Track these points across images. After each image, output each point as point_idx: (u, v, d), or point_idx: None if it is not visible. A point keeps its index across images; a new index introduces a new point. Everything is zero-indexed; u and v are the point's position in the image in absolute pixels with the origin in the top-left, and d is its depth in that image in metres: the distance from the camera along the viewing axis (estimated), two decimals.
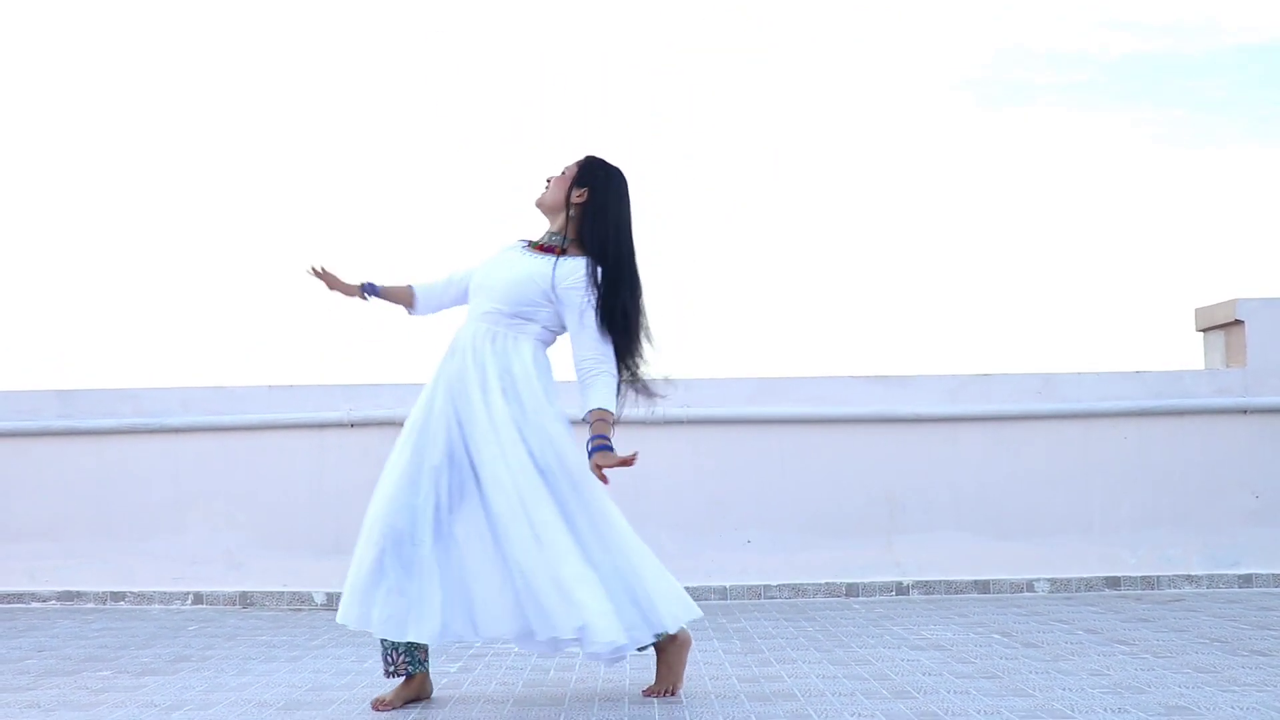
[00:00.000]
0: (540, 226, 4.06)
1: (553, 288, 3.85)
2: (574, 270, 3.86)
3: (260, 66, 11.16)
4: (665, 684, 3.95)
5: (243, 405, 6.77)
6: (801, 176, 11.29)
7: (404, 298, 4.18)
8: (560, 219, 3.96)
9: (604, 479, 3.77)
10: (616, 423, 3.85)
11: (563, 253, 3.91)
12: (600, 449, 3.76)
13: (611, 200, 3.94)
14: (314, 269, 4.14)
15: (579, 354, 3.86)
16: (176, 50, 10.93)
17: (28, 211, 10.94)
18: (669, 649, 3.95)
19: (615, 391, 3.87)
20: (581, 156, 4.01)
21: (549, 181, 4.00)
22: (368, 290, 4.15)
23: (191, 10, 10.87)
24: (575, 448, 3.84)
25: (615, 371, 3.87)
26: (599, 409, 3.81)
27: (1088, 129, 11.71)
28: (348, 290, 4.16)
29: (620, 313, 3.87)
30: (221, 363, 9.72)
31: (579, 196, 3.93)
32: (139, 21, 10.87)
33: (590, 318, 3.84)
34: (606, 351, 3.86)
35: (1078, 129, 11.70)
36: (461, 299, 4.12)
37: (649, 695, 3.94)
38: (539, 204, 4.01)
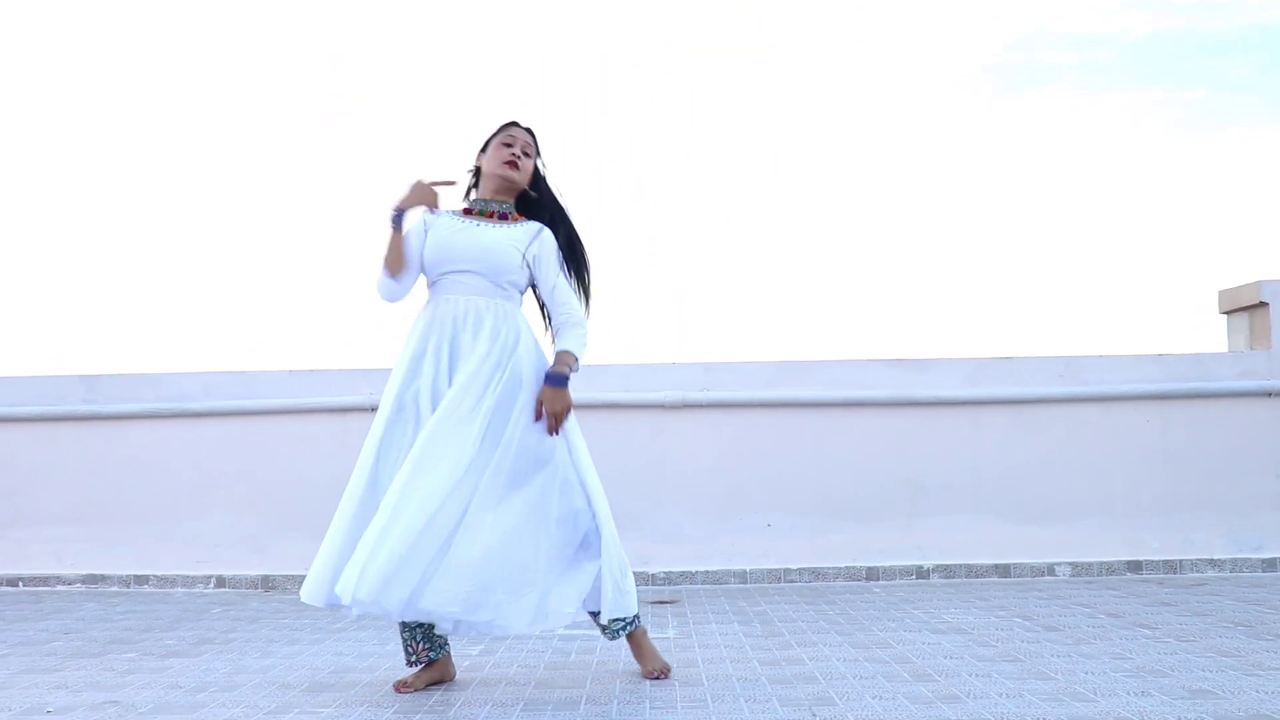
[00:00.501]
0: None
1: (525, 254, 3.95)
2: (548, 237, 4.01)
3: (276, 57, 11.18)
4: (647, 666, 3.98)
5: (264, 389, 6.81)
6: (822, 164, 11.26)
7: (396, 264, 3.95)
8: (516, 191, 4.05)
9: (548, 409, 3.84)
10: (574, 371, 3.96)
11: (515, 220, 4.04)
12: (554, 381, 3.87)
13: (543, 169, 4.16)
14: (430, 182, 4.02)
15: (558, 308, 4.00)
16: (193, 38, 10.96)
17: (51, 200, 11.00)
18: (632, 639, 4.00)
19: (584, 343, 4.00)
20: (519, 125, 4.08)
21: (522, 156, 4.01)
22: (396, 222, 3.97)
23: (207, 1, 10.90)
24: (543, 434, 3.86)
25: (586, 327, 4.03)
26: (565, 351, 3.95)
27: (1108, 111, 11.64)
28: (419, 199, 3.97)
29: (578, 270, 4.09)
30: (243, 347, 9.76)
31: (528, 193, 4.09)
32: (157, 12, 10.90)
33: (563, 281, 4.01)
34: (580, 308, 4.03)
35: (1098, 111, 11.63)
36: (412, 282, 4.06)
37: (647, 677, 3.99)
38: (517, 180, 4.01)
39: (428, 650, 3.93)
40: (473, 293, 3.91)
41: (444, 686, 3.92)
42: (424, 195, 3.97)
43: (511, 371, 3.84)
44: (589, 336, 4.04)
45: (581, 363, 4.00)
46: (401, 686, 3.86)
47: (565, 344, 3.96)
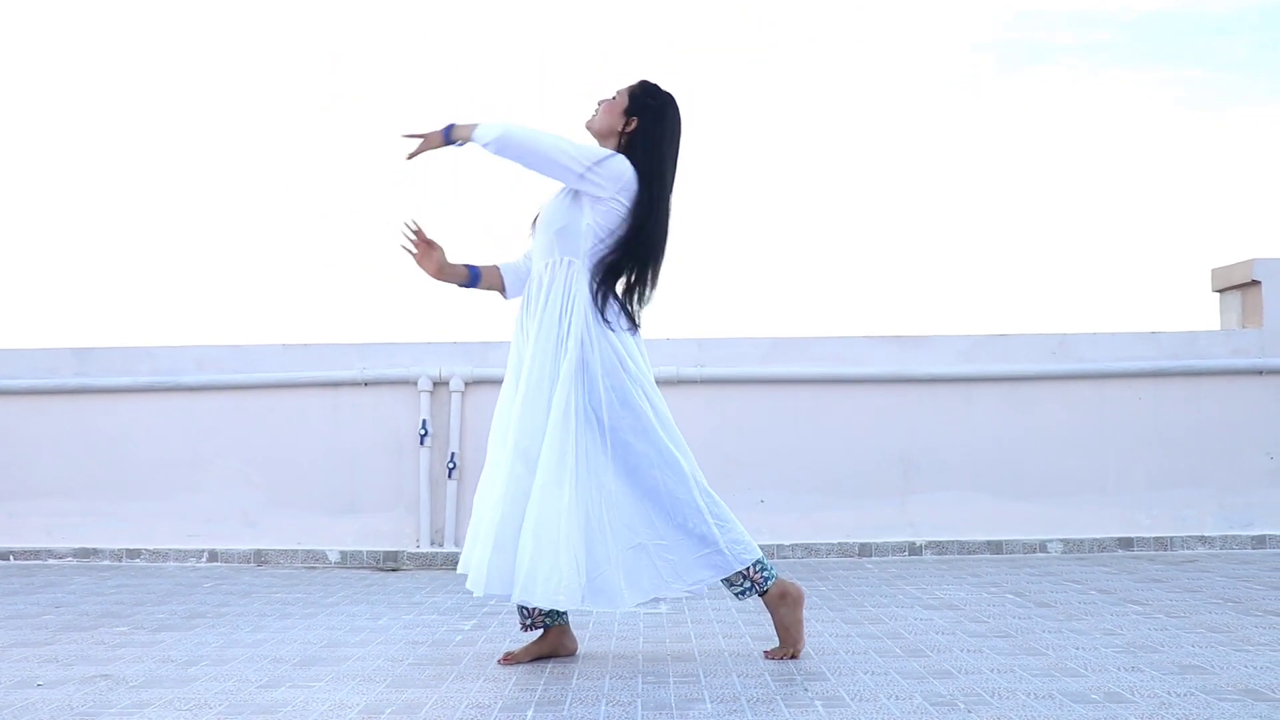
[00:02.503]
0: None
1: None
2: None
3: (274, 36, 11.13)
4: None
5: (258, 364, 6.79)
6: (819, 141, 11.23)
7: (496, 283, 3.98)
8: (610, 144, 3.86)
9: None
10: (462, 139, 3.73)
11: None
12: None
13: (666, 135, 3.84)
14: (410, 228, 3.89)
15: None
16: (188, 18, 10.90)
17: (45, 174, 10.95)
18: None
19: (493, 128, 3.68)
20: (635, 81, 3.89)
21: (600, 104, 3.89)
22: (472, 278, 3.94)
23: None
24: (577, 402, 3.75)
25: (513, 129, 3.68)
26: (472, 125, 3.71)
27: (1108, 89, 11.61)
28: (448, 274, 3.93)
29: (644, 242, 3.79)
30: (236, 321, 9.74)
31: (629, 126, 3.83)
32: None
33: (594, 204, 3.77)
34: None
35: (1098, 90, 11.61)
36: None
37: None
38: (588, 127, 3.89)
39: (544, 617, 3.86)
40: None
41: (553, 661, 3.86)
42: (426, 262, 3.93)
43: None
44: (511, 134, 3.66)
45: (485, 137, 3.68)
46: (508, 659, 3.83)
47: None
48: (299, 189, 10.56)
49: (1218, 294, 7.22)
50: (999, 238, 11.02)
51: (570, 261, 3.80)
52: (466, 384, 6.64)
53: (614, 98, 3.87)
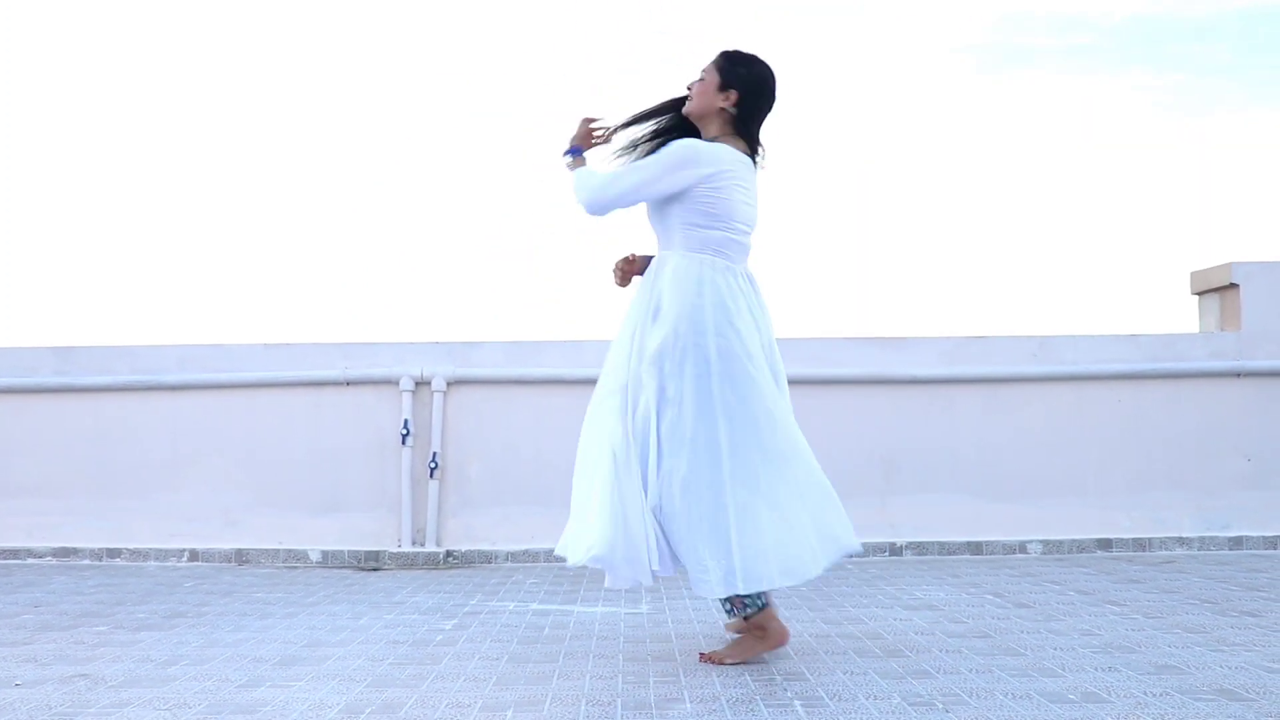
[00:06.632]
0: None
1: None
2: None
3: (242, 35, 11.11)
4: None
5: (240, 363, 6.78)
6: (800, 141, 11.25)
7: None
8: (713, 125, 3.87)
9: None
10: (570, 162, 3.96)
11: None
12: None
13: (763, 100, 3.87)
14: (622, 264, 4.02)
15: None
16: (176, 20, 10.87)
17: (27, 169, 10.91)
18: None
19: (584, 180, 3.90)
20: (717, 55, 3.87)
21: (690, 89, 3.88)
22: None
23: None
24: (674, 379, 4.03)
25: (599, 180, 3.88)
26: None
27: (1088, 93, 11.66)
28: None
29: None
30: (218, 321, 9.72)
31: (729, 100, 3.83)
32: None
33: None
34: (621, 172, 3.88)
35: (1078, 93, 11.66)
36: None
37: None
38: (687, 114, 3.88)
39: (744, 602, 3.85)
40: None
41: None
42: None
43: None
44: (589, 187, 3.86)
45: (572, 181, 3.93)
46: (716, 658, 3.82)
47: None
48: (282, 187, 10.53)
49: (1196, 297, 7.26)
50: (980, 240, 11.06)
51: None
52: (449, 384, 6.63)
53: (703, 78, 3.86)
